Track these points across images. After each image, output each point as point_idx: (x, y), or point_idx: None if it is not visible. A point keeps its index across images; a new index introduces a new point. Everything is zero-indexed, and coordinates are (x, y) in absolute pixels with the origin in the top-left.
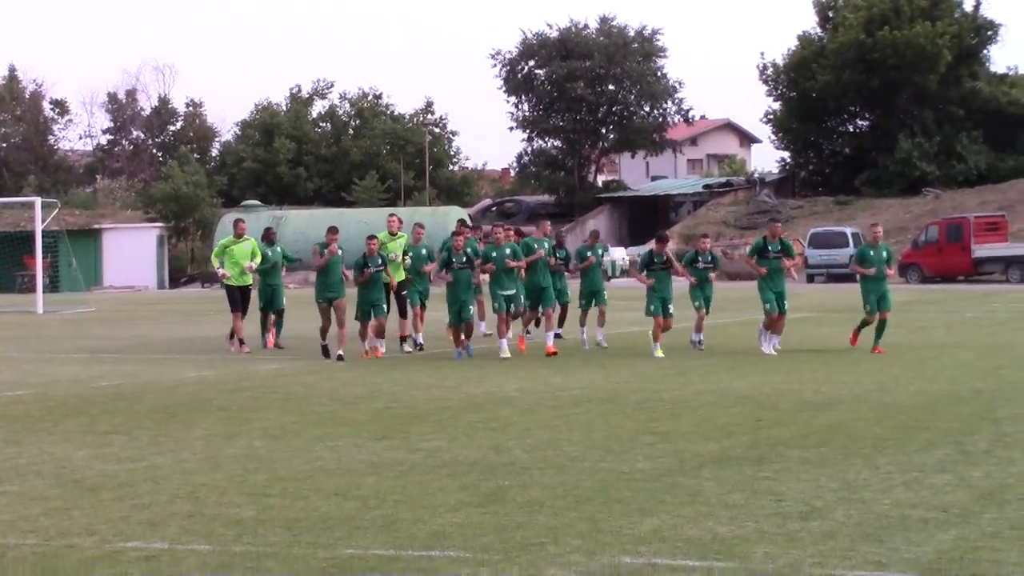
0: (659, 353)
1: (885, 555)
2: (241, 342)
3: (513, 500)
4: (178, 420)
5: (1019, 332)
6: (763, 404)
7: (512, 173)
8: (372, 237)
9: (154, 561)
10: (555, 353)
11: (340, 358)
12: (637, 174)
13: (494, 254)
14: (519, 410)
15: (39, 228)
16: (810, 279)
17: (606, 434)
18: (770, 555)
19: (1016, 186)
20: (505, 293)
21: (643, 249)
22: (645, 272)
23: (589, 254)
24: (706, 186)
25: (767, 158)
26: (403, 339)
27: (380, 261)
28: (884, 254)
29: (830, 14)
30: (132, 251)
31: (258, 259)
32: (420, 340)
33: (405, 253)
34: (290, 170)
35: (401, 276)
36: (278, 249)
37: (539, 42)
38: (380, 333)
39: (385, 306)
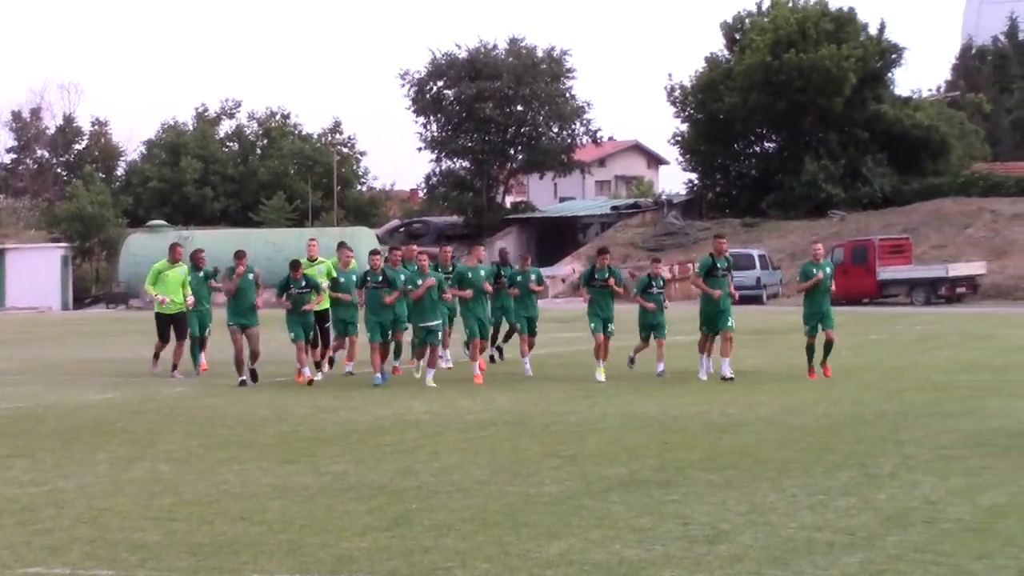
0: (600, 376)
1: None
2: (156, 357)
3: (420, 524)
4: (82, 443)
5: (923, 354)
6: (670, 427)
7: (421, 194)
8: (296, 264)
9: None
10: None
11: (253, 373)
12: (545, 195)
13: (419, 281)
14: (426, 433)
15: None
16: None
17: (513, 457)
18: None
19: (920, 209)
20: (426, 325)
21: (553, 271)
22: (586, 288)
23: (519, 279)
24: (614, 207)
25: (675, 179)
26: (318, 364)
27: (304, 284)
28: (828, 270)
29: (737, 36)
30: (36, 271)
31: (188, 290)
32: (350, 369)
33: (334, 280)
34: (197, 190)
35: (325, 304)
36: (200, 276)
37: (448, 62)
38: (303, 361)
39: (311, 333)
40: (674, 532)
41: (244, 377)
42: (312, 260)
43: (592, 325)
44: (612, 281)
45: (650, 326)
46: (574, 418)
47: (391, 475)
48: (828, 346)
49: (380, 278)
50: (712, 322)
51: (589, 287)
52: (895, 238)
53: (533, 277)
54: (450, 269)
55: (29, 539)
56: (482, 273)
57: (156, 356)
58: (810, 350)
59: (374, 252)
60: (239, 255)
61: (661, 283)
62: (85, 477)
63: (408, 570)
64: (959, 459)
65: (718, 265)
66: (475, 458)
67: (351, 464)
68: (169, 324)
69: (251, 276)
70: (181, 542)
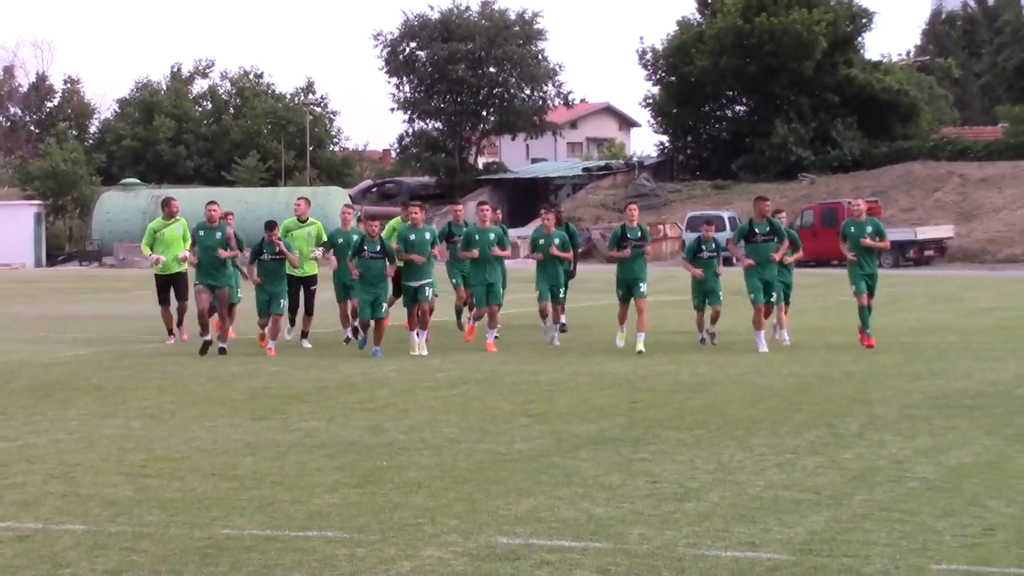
0: (621, 342)
1: (758, 536)
2: (170, 332)
3: (391, 481)
4: (54, 399)
5: (890, 316)
6: (639, 386)
7: (393, 154)
8: (271, 225)
9: (27, 541)
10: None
11: (222, 351)
12: (517, 156)
13: (412, 237)
14: (397, 391)
15: None
16: None
17: (483, 415)
18: (645, 536)
19: (889, 172)
20: (414, 284)
21: (523, 232)
22: (616, 249)
23: (541, 242)
24: (585, 169)
25: (646, 142)
26: (304, 334)
27: (276, 249)
28: (869, 229)
29: (709, 0)
30: (9, 228)
31: (187, 246)
32: (348, 334)
33: (320, 244)
34: (170, 148)
35: (314, 269)
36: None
37: (420, 24)
38: (274, 333)
39: (283, 301)
40: (643, 490)
41: (208, 338)
42: (303, 221)
43: (619, 290)
44: (647, 237)
45: (704, 293)
46: (544, 377)
47: (361, 432)
48: (865, 313)
49: (377, 247)
50: (761, 291)
51: (620, 247)
52: (868, 199)
53: (557, 241)
54: (462, 227)
55: (1, 494)
56: (491, 236)
57: (170, 330)
58: (862, 312)
59: (371, 218)
60: (211, 203)
61: (711, 246)
62: (57, 433)
63: (378, 526)
64: (925, 419)
65: (756, 229)
66: (445, 416)
67: (322, 421)
68: (168, 285)
69: (219, 235)
70: (153, 498)
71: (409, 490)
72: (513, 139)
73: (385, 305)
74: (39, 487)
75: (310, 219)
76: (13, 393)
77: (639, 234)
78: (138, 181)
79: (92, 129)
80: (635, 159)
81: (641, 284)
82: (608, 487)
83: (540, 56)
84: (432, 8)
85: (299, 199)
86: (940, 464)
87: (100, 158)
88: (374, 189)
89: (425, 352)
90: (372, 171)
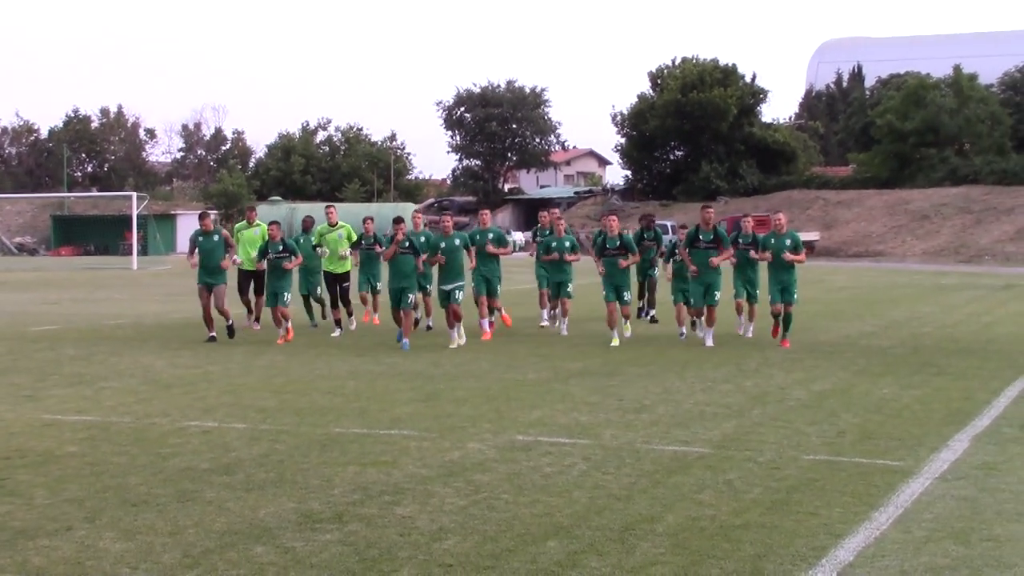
0: (615, 342)
1: (689, 436)
2: (250, 313)
3: (446, 398)
4: (226, 342)
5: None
6: (611, 338)
7: (448, 181)
8: (273, 223)
9: (208, 434)
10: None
11: (230, 330)
12: (530, 183)
13: (443, 244)
14: (449, 340)
15: (135, 213)
16: None
17: (507, 355)
18: (614, 436)
19: (777, 196)
20: (447, 287)
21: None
22: (599, 258)
23: (554, 245)
24: (576, 192)
25: (616, 174)
26: (338, 322)
27: (281, 248)
28: (788, 242)
29: (658, 81)
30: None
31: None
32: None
33: (354, 245)
34: (301, 177)
35: (346, 267)
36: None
37: (467, 95)
38: (283, 319)
39: (287, 295)
40: (613, 405)
41: (213, 333)
42: (332, 225)
43: (604, 292)
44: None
45: (682, 290)
46: (547, 332)
47: (426, 365)
48: (787, 319)
49: (407, 244)
50: (695, 296)
51: (603, 256)
52: (761, 215)
53: (568, 244)
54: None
55: (191, 403)
56: (490, 235)
57: (249, 311)
58: (775, 316)
59: (397, 220)
60: (203, 215)
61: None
62: (228, 364)
63: (437, 427)
64: (799, 360)
65: (700, 237)
66: (482, 355)
67: (399, 358)
68: (250, 279)
69: (216, 238)
70: (289, 407)
71: (458, 403)
72: (528, 172)
73: (411, 297)
74: (215, 399)
75: (340, 223)
76: (198, 336)
77: (617, 243)
78: (280, 198)
79: (251, 164)
80: (609, 186)
81: (624, 293)
82: (590, 403)
83: (545, 117)
84: (475, 85)
85: (328, 207)
86: (809, 389)
87: (255, 183)
88: (435, 204)
89: (464, 341)
90: (434, 192)
